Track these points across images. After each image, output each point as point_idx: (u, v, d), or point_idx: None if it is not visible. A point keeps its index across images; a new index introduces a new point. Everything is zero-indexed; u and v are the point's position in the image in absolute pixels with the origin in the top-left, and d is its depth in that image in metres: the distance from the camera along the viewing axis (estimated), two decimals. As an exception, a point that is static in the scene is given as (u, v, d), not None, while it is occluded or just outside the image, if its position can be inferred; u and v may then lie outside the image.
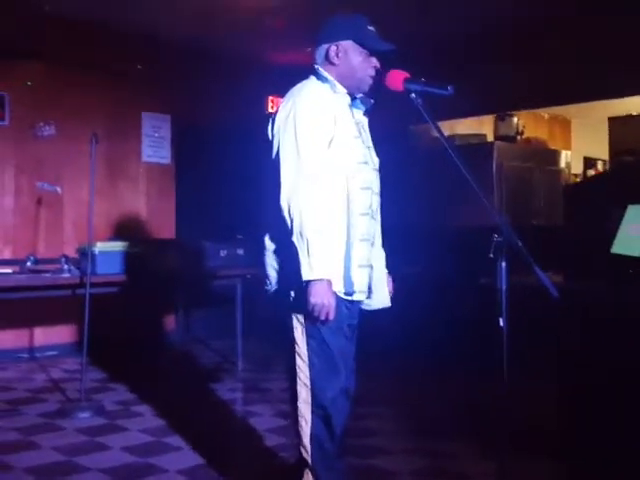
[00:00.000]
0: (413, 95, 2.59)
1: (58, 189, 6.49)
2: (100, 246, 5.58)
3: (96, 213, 5.64)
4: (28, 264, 5.68)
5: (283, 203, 2.61)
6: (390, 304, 2.95)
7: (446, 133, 8.23)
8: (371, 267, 2.83)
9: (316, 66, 2.83)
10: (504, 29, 7.02)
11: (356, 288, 2.71)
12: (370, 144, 2.92)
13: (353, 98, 2.86)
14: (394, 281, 3.06)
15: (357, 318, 2.88)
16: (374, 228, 2.87)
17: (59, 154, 7.07)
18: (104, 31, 7.10)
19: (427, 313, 6.40)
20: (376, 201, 2.86)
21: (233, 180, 7.94)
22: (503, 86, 7.41)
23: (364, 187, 2.75)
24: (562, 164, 9.17)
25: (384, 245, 3.03)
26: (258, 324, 6.67)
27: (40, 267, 5.76)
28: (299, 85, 2.81)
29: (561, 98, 7.67)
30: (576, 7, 6.37)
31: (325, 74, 2.80)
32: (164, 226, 7.91)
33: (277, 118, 2.73)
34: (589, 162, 10.70)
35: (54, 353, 6.94)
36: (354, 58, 2.79)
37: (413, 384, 5.72)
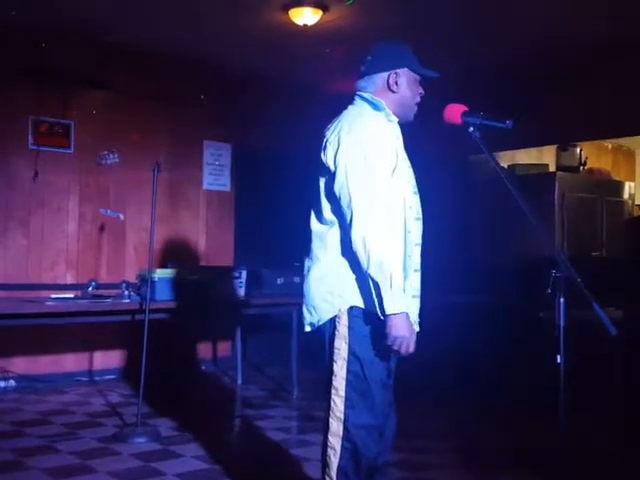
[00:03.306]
0: (471, 129, 2.59)
1: (121, 216, 6.60)
2: (159, 273, 5.66)
3: (157, 240, 5.73)
4: (90, 289, 5.78)
5: (356, 235, 2.54)
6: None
7: (507, 163, 8.19)
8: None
9: (367, 94, 2.81)
10: (567, 59, 6.95)
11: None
12: None
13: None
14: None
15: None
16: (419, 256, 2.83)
17: (122, 181, 7.23)
18: (167, 61, 7.25)
19: (484, 344, 6.32)
20: (422, 229, 2.85)
21: (291, 208, 7.97)
22: (566, 117, 7.33)
23: (417, 217, 2.76)
24: (626, 195, 9.01)
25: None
26: (314, 352, 6.67)
27: (101, 292, 5.86)
28: (354, 112, 2.78)
29: (626, 129, 7.54)
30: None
31: (380, 102, 2.79)
32: (223, 253, 7.98)
33: (341, 146, 2.65)
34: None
35: (112, 377, 7.04)
36: (409, 86, 2.81)
37: (468, 416, 5.63)
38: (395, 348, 2.54)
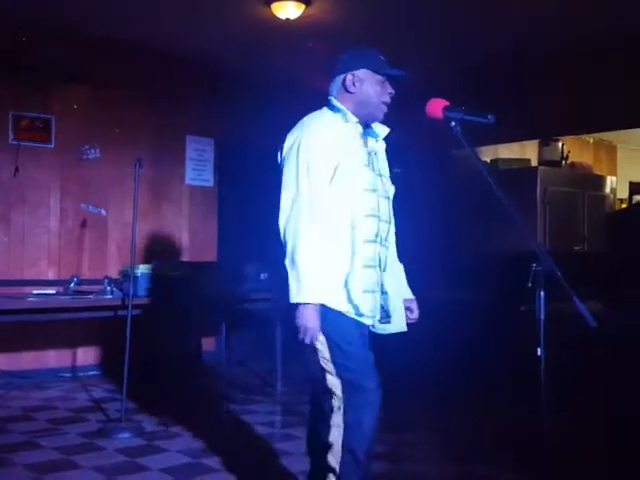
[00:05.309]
0: (453, 123, 2.61)
1: (103, 211, 6.58)
2: (142, 268, 5.65)
3: (139, 235, 5.71)
4: (72, 285, 5.77)
5: (280, 228, 2.74)
6: (406, 329, 3.00)
7: (489, 157, 8.19)
8: (384, 292, 2.89)
9: (330, 97, 2.92)
10: (550, 54, 6.99)
11: (362, 311, 2.77)
12: (383, 172, 2.98)
13: (368, 126, 2.93)
14: (419, 305, 3.11)
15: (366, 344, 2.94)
16: (384, 255, 2.90)
17: (104, 177, 7.19)
18: (149, 56, 7.22)
19: (466, 339, 6.35)
20: (385, 229, 2.90)
21: (275, 203, 7.97)
22: (548, 112, 7.36)
23: (369, 214, 2.80)
24: (607, 189, 9.08)
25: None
26: (297, 346, 6.69)
27: (84, 288, 5.84)
28: (309, 115, 2.91)
29: (607, 124, 7.59)
30: (625, 31, 6.32)
31: (338, 104, 2.88)
32: (206, 249, 7.97)
33: (284, 145, 2.84)
34: (635, 187, 10.56)
35: (96, 373, 7.02)
36: (370, 86, 2.89)
37: (450, 410, 5.65)
38: (300, 336, 2.67)
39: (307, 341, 2.67)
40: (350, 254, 2.74)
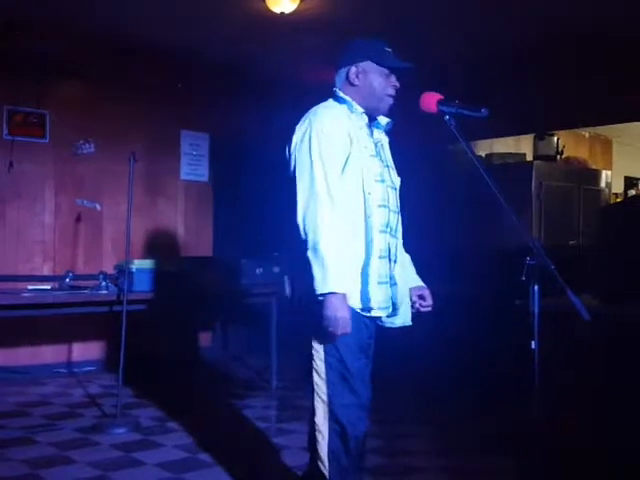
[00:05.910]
0: (447, 117, 2.60)
1: (97, 206, 6.56)
2: (137, 263, 5.63)
3: (134, 230, 5.70)
4: (67, 280, 5.75)
5: (299, 220, 2.66)
6: (411, 323, 2.96)
7: (484, 152, 8.15)
8: (393, 284, 2.85)
9: (335, 89, 2.91)
10: (544, 48, 6.98)
11: (374, 304, 2.74)
12: (389, 163, 2.96)
13: (373, 118, 2.91)
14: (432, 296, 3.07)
15: (374, 336, 2.91)
16: (394, 245, 2.87)
17: (99, 171, 7.17)
18: (144, 50, 7.19)
19: (460, 333, 6.35)
20: (394, 219, 2.88)
21: (270, 198, 7.96)
22: (543, 106, 7.36)
23: (380, 205, 2.79)
24: (603, 184, 9.06)
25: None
26: (293, 341, 6.69)
27: (79, 283, 5.83)
28: (316, 106, 2.87)
29: (602, 118, 7.58)
30: (619, 26, 6.31)
31: (343, 95, 2.87)
32: (201, 243, 7.96)
33: (294, 138, 2.79)
34: (630, 182, 10.59)
35: (91, 368, 7.01)
36: (374, 78, 2.86)
37: (445, 403, 5.66)
38: (330, 329, 2.58)
39: (338, 332, 2.58)
40: (364, 245, 2.72)
